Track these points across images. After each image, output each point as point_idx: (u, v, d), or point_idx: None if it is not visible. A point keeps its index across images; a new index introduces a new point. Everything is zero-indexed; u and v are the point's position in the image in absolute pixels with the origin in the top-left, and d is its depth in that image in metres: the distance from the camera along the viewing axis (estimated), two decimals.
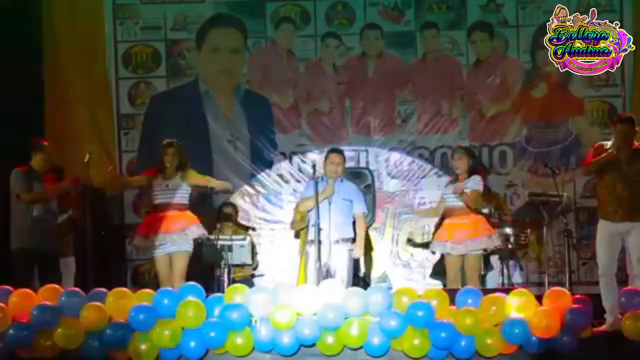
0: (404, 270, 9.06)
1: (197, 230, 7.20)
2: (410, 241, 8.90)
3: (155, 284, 7.19)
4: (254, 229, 8.78)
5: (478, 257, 7.23)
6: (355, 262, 7.51)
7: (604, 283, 6.73)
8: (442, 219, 7.53)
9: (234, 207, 8.73)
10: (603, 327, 6.46)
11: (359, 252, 7.17)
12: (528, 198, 8.08)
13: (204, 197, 8.92)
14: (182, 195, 7.25)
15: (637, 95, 9.17)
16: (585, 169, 7.10)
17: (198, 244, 7.39)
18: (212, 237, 7.89)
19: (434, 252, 7.78)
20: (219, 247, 7.65)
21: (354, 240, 7.20)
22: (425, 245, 8.39)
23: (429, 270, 8.65)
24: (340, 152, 7.34)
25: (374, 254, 8.43)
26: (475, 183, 7.24)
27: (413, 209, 8.59)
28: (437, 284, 8.21)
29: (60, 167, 7.70)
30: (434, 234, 7.65)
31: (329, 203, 7.01)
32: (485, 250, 7.26)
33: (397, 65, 9.42)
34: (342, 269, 7.04)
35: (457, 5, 9.40)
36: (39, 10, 9.23)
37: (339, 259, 7.03)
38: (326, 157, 7.31)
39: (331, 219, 6.94)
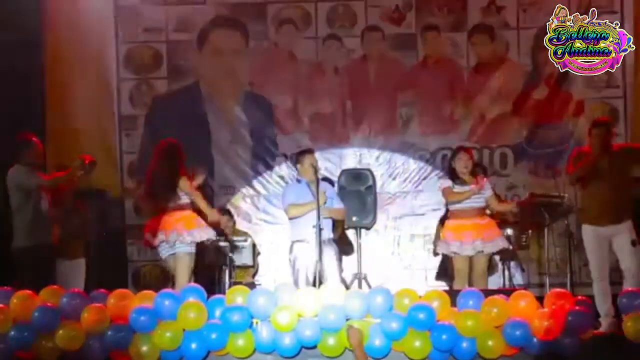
0: (405, 272, 9.06)
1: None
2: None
3: (159, 285, 7.17)
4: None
5: (486, 259, 7.21)
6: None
7: (597, 287, 6.76)
8: (444, 219, 7.51)
9: (229, 213, 8.69)
10: (599, 331, 6.47)
11: (325, 212, 7.01)
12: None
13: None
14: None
15: (637, 97, 9.18)
16: (570, 178, 7.12)
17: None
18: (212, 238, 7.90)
19: (436, 254, 7.78)
20: (220, 248, 7.65)
21: (335, 240, 7.21)
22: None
23: (431, 272, 8.66)
24: (312, 152, 7.29)
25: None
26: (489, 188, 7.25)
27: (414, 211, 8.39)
28: (439, 286, 8.21)
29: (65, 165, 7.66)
30: (438, 235, 7.63)
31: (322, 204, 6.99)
32: (494, 252, 7.23)
33: (398, 68, 9.42)
34: (332, 268, 7.05)
35: (458, 7, 9.41)
36: (40, 11, 9.23)
37: (329, 259, 7.03)
38: (302, 160, 7.20)
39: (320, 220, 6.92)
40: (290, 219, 7.20)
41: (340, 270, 7.28)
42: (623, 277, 6.86)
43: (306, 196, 7.07)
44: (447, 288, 7.67)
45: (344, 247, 8.34)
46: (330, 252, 7.08)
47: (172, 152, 7.00)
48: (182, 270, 6.82)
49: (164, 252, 6.93)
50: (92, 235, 7.88)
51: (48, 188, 7.00)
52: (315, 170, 7.08)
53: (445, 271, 8.12)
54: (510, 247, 7.45)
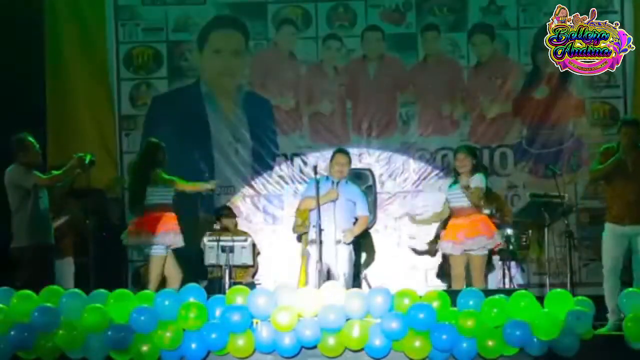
0: (405, 272, 9.05)
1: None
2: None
3: (159, 285, 7.18)
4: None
5: (483, 257, 7.22)
6: (356, 264, 7.54)
7: (607, 284, 6.73)
8: (447, 219, 7.54)
9: (231, 211, 8.72)
10: (605, 328, 6.47)
11: (348, 237, 7.12)
12: (529, 199, 8.09)
13: (203, 199, 8.94)
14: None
15: (637, 96, 9.17)
16: (593, 174, 7.12)
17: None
18: (213, 238, 7.90)
19: (434, 254, 7.80)
20: (220, 248, 7.66)
21: (354, 242, 7.22)
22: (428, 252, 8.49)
23: (431, 272, 8.67)
24: (347, 153, 7.37)
25: (375, 256, 8.47)
26: (479, 181, 7.25)
27: (413, 217, 8.33)
28: (439, 286, 8.22)
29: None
30: (438, 234, 7.66)
31: (333, 203, 7.04)
32: (486, 249, 7.24)
33: (398, 67, 9.42)
34: (343, 270, 7.05)
35: (458, 7, 9.41)
36: (41, 11, 9.24)
37: (341, 260, 7.04)
38: (332, 158, 7.32)
39: (335, 219, 6.96)
40: (303, 209, 7.28)
41: (351, 272, 7.25)
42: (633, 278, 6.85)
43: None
44: (445, 288, 7.69)
45: (368, 251, 8.36)
46: (343, 254, 7.08)
47: (149, 151, 7.14)
48: (173, 267, 7.00)
49: (160, 250, 6.98)
50: (81, 234, 7.85)
51: (45, 186, 6.99)
52: (349, 170, 7.17)
53: (443, 270, 8.15)
54: (494, 246, 7.42)
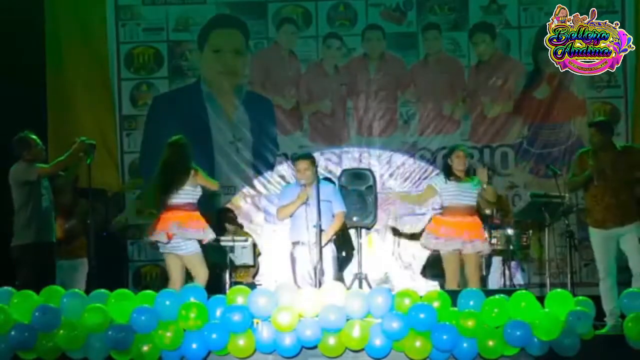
0: (406, 272, 9.06)
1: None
2: (395, 231, 8.98)
3: (159, 285, 7.14)
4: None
5: (478, 258, 7.21)
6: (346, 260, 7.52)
7: (604, 286, 6.73)
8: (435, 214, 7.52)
9: (232, 212, 8.73)
10: (604, 329, 6.47)
11: (323, 240, 7.06)
12: (530, 199, 8.09)
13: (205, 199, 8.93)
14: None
15: (638, 96, 9.17)
16: (570, 186, 7.10)
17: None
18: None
19: (426, 247, 7.79)
20: (221, 248, 7.67)
21: (333, 241, 7.25)
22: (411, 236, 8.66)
23: (429, 271, 8.65)
24: (306, 157, 7.27)
25: (354, 252, 8.47)
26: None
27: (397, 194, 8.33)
28: (438, 285, 8.22)
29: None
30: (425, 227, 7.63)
31: (307, 205, 7.02)
32: (478, 253, 7.24)
33: (399, 67, 9.43)
34: (329, 269, 7.06)
35: (459, 6, 9.41)
36: (41, 11, 9.24)
37: (325, 260, 7.04)
38: (295, 165, 7.30)
39: (311, 221, 6.94)
40: (282, 219, 7.32)
41: (337, 270, 7.28)
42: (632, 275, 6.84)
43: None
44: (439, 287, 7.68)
45: (345, 248, 8.36)
46: (327, 253, 7.09)
47: (186, 148, 7.02)
48: (201, 265, 6.86)
49: (171, 248, 6.92)
50: (89, 234, 7.85)
51: (50, 174, 6.98)
52: (314, 172, 7.12)
53: (433, 268, 8.15)
54: (490, 251, 7.42)
